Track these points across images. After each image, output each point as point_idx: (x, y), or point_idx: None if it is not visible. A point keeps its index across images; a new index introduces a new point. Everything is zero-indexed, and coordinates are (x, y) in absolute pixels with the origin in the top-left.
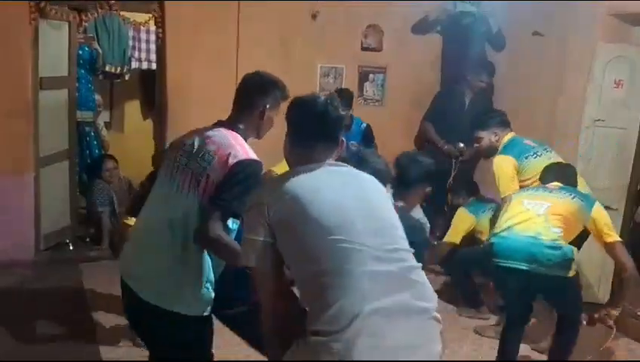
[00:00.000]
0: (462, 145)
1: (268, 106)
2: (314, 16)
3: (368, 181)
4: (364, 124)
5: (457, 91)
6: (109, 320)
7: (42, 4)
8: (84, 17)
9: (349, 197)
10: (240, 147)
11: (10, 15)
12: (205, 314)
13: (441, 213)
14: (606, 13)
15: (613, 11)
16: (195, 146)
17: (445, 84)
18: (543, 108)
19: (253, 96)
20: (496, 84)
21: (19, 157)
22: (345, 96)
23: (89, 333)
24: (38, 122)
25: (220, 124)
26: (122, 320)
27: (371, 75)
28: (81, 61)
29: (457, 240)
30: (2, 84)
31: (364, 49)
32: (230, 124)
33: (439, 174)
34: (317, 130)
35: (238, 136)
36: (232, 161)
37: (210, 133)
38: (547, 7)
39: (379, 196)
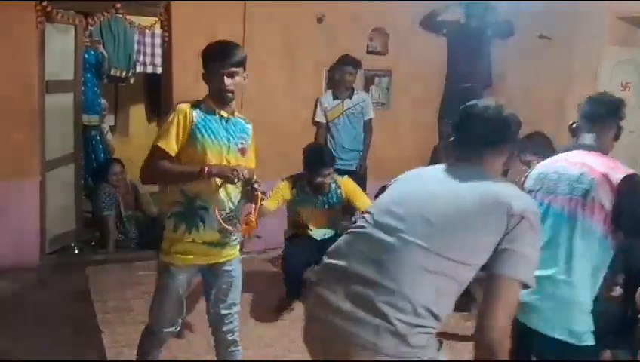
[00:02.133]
0: None
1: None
2: (319, 20)
3: (477, 196)
4: None
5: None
6: (114, 323)
7: (48, 7)
8: (90, 21)
9: (425, 193)
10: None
11: (16, 19)
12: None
13: None
14: (613, 16)
15: (619, 14)
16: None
17: (449, 87)
18: (549, 111)
19: (609, 117)
20: (502, 87)
21: (25, 161)
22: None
23: (94, 336)
24: (44, 126)
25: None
26: (126, 323)
27: (377, 78)
28: (87, 65)
29: None
30: (8, 87)
31: (369, 52)
32: (590, 146)
33: None
34: (468, 131)
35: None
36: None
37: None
38: (553, 10)
39: (463, 214)
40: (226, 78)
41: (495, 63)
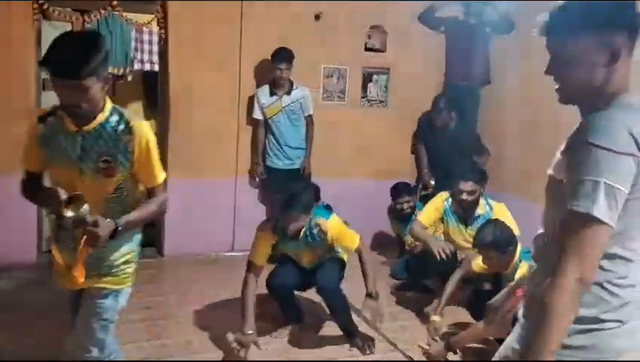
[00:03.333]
0: (432, 182)
1: None
2: (317, 17)
3: None
4: None
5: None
6: None
7: (45, 5)
8: (86, 18)
9: None
10: None
11: (12, 16)
12: None
13: None
14: None
15: None
16: None
17: (448, 85)
18: (548, 109)
19: None
20: (501, 86)
21: (21, 159)
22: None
23: None
24: None
25: None
26: (121, 321)
27: (375, 76)
28: None
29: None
30: (5, 85)
31: (367, 50)
32: None
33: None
34: None
35: None
36: None
37: None
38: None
39: None
40: (58, 91)
41: (494, 61)
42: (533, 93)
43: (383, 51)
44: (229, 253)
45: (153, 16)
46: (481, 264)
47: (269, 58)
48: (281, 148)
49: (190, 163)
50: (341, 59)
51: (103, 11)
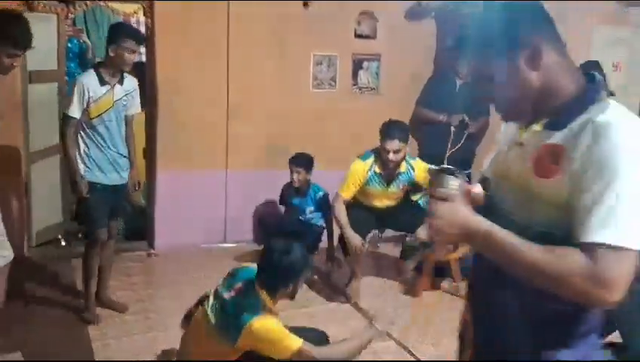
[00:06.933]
0: (466, 117)
1: None
2: (306, 4)
3: None
4: (321, 193)
5: (447, 76)
6: (101, 315)
7: None
8: (71, 9)
9: None
10: None
11: None
12: None
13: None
14: None
15: None
16: None
17: (438, 70)
18: None
19: None
20: None
21: (8, 153)
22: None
23: (80, 329)
24: (27, 117)
25: None
26: (113, 315)
27: (365, 63)
28: (71, 54)
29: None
30: None
31: (357, 36)
32: None
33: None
34: None
35: None
36: None
37: None
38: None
39: None
40: None
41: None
42: None
43: (373, 38)
44: (221, 244)
45: (139, 5)
46: None
47: (257, 49)
48: (105, 158)
49: (179, 154)
50: (331, 46)
51: (88, 2)
